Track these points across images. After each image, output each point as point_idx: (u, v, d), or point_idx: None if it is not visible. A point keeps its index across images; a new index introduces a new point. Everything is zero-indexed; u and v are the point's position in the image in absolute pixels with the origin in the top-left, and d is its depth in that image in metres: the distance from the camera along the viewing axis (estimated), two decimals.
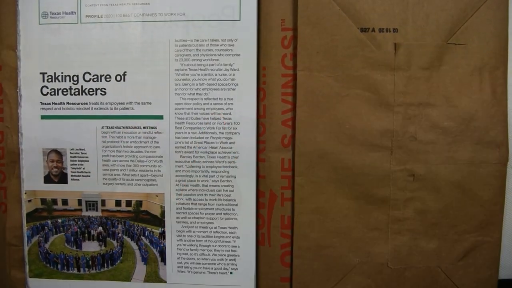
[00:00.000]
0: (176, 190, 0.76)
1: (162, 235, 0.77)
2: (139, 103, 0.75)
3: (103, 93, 0.75)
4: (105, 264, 0.78)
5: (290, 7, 0.73)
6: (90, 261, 0.78)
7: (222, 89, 0.74)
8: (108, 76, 0.74)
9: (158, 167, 0.75)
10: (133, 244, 0.78)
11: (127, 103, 0.75)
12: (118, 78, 0.74)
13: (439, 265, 0.76)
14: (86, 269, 0.78)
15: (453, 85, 0.72)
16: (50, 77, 0.75)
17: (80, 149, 0.76)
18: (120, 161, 0.76)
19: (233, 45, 0.73)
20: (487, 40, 0.72)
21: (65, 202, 0.77)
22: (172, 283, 0.78)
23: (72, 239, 0.78)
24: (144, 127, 0.75)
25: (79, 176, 0.77)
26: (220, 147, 0.75)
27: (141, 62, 0.74)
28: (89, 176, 0.76)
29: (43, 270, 0.79)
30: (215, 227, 0.76)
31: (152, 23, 0.73)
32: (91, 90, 0.75)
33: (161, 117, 0.74)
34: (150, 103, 0.74)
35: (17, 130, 0.76)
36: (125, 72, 0.74)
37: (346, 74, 0.72)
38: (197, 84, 0.74)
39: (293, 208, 0.76)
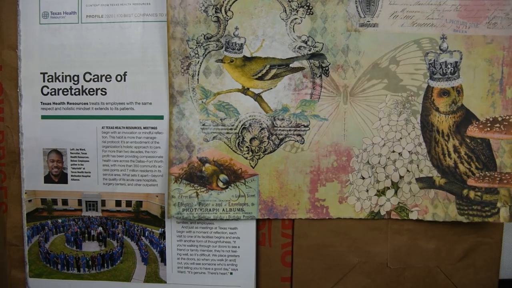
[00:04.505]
0: None
1: (162, 235, 0.59)
2: (139, 103, 0.57)
3: (103, 93, 0.58)
4: (105, 264, 0.61)
5: None
6: (90, 261, 0.61)
7: None
8: (108, 76, 0.57)
9: (159, 167, 0.58)
10: (133, 244, 0.60)
11: (127, 103, 0.58)
12: (119, 78, 0.57)
13: (438, 265, 0.57)
14: (86, 269, 0.61)
15: None
16: (50, 77, 0.58)
17: (80, 149, 0.59)
18: (120, 161, 0.58)
19: None
20: None
21: (65, 202, 0.60)
22: (172, 283, 0.60)
23: (72, 239, 0.61)
24: (144, 127, 0.58)
25: (79, 176, 0.59)
26: None
27: (142, 62, 0.57)
28: (89, 176, 0.59)
29: (43, 270, 0.61)
30: (215, 227, 0.58)
31: (152, 23, 0.56)
32: (91, 90, 0.58)
33: (161, 117, 0.57)
34: (150, 103, 0.57)
35: (17, 130, 0.59)
36: (126, 72, 0.57)
37: None
38: None
39: None
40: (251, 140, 0.54)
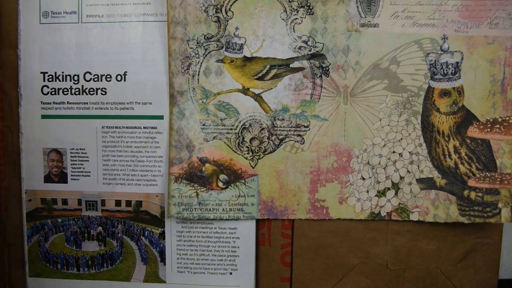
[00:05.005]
0: None
1: (162, 235, 0.59)
2: (139, 103, 0.57)
3: (103, 93, 0.57)
4: (105, 264, 0.60)
5: None
6: (89, 261, 0.60)
7: None
8: (108, 76, 0.57)
9: (159, 167, 0.57)
10: (133, 244, 0.60)
11: (127, 103, 0.57)
12: (119, 78, 0.57)
13: (438, 266, 0.57)
14: (86, 269, 0.60)
15: None
16: (50, 76, 0.58)
17: (80, 149, 0.58)
18: (120, 161, 0.58)
19: None
20: None
21: (65, 201, 0.59)
22: (172, 283, 0.59)
23: (71, 239, 0.60)
24: (144, 127, 0.57)
25: (79, 175, 0.58)
26: None
27: (142, 62, 0.56)
28: (89, 176, 0.58)
29: (43, 269, 0.61)
30: (215, 227, 0.58)
31: (153, 23, 0.55)
32: (91, 89, 0.57)
33: (161, 117, 0.56)
34: (150, 103, 0.57)
35: (17, 130, 0.58)
36: (126, 72, 0.57)
37: None
38: None
39: None
40: (251, 140, 0.54)
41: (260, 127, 0.54)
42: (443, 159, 0.53)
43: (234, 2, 0.52)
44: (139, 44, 0.55)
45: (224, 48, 0.53)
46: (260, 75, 0.53)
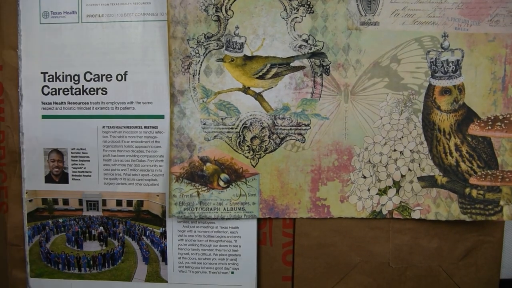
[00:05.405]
0: None
1: (163, 234, 0.59)
2: (140, 103, 0.57)
3: (104, 92, 0.57)
4: (106, 264, 0.60)
5: None
6: (91, 261, 0.60)
7: None
8: (109, 76, 0.57)
9: (160, 166, 0.57)
10: (134, 244, 0.60)
11: (128, 103, 0.57)
12: (119, 77, 0.57)
13: (440, 264, 0.57)
14: (87, 269, 0.60)
15: None
16: (51, 76, 0.58)
17: (81, 149, 0.58)
18: (121, 160, 0.58)
19: None
20: None
21: (66, 202, 0.59)
22: (173, 283, 0.59)
23: (73, 239, 0.60)
24: (145, 127, 0.57)
25: (80, 175, 0.58)
26: None
27: (142, 62, 0.56)
28: (90, 175, 0.58)
29: (44, 270, 0.61)
30: (216, 227, 0.58)
31: (153, 23, 0.55)
32: (92, 89, 0.57)
33: (162, 117, 0.56)
34: (151, 103, 0.57)
35: (18, 130, 0.58)
36: (126, 71, 0.57)
37: None
38: None
39: None
40: (252, 139, 0.54)
41: (261, 126, 0.54)
42: (444, 157, 0.53)
43: (234, 1, 0.52)
44: (139, 44, 0.55)
45: (224, 47, 0.53)
46: (260, 74, 0.53)
